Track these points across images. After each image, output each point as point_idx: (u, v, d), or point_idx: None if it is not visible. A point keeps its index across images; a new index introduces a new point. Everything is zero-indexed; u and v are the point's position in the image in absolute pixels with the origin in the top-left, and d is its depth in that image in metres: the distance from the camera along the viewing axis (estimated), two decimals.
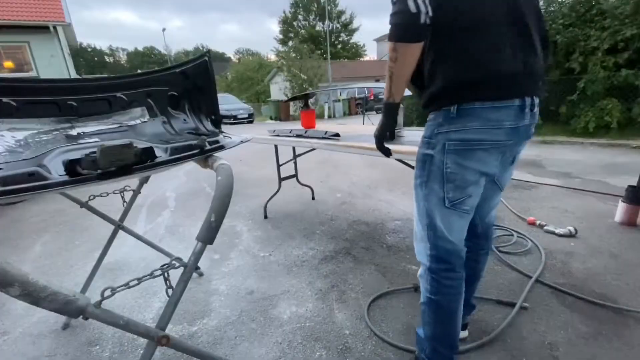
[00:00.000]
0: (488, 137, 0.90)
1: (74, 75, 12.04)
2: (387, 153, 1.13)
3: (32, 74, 10.00)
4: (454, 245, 1.02)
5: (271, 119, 16.53)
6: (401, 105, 2.01)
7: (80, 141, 0.95)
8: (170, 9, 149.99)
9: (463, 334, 1.34)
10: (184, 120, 1.21)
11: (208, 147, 1.00)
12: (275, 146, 2.66)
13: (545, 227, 2.27)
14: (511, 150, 1.00)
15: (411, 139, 1.86)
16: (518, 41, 0.88)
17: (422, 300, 1.09)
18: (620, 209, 2.33)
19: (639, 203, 2.26)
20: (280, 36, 36.10)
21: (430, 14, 0.81)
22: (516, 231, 2.24)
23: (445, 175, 0.95)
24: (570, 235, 2.16)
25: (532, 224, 2.37)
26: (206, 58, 1.22)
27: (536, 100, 0.93)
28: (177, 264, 0.79)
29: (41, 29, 9.74)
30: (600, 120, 5.59)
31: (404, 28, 0.84)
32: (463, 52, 0.87)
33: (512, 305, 1.51)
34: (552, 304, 1.54)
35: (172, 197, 3.60)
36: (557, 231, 2.20)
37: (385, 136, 1.06)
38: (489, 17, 0.86)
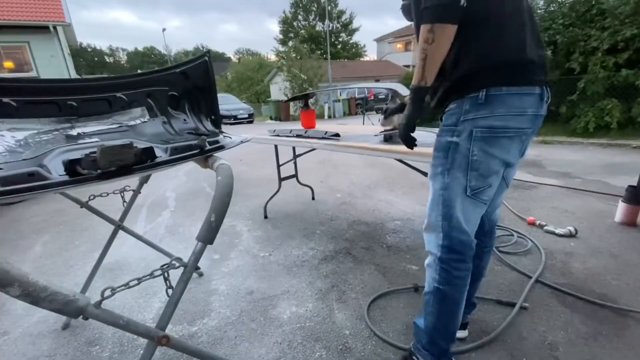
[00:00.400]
0: (513, 125, 0.92)
1: (74, 75, 12.04)
2: (411, 144, 1.06)
3: (32, 74, 10.00)
4: (468, 236, 1.02)
5: (271, 119, 16.52)
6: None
7: (80, 141, 0.95)
8: (170, 9, 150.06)
9: (463, 333, 1.34)
10: (184, 120, 1.21)
11: (208, 147, 1.00)
12: (275, 146, 2.66)
13: (545, 227, 2.27)
14: (529, 140, 1.01)
15: None
16: (532, 35, 0.93)
17: (428, 289, 1.09)
18: (620, 209, 2.33)
19: (639, 203, 2.26)
20: (280, 36, 36.13)
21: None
22: (516, 231, 2.24)
23: (471, 163, 0.95)
24: (570, 236, 2.16)
25: (532, 224, 2.37)
26: (206, 58, 1.22)
27: (549, 90, 0.97)
28: (177, 264, 0.79)
29: (41, 29, 9.74)
30: (600, 121, 5.59)
31: (444, 8, 0.84)
32: (494, 37, 0.90)
33: (512, 305, 1.51)
34: (552, 304, 1.54)
35: (172, 197, 3.60)
36: (557, 231, 2.20)
37: (413, 124, 1.02)
38: (515, 9, 0.91)
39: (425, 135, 1.84)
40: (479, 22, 0.89)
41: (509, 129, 0.92)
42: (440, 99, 1.01)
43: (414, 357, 1.17)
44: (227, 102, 14.15)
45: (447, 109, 0.99)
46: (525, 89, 0.90)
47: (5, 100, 0.87)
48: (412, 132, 1.03)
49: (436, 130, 1.70)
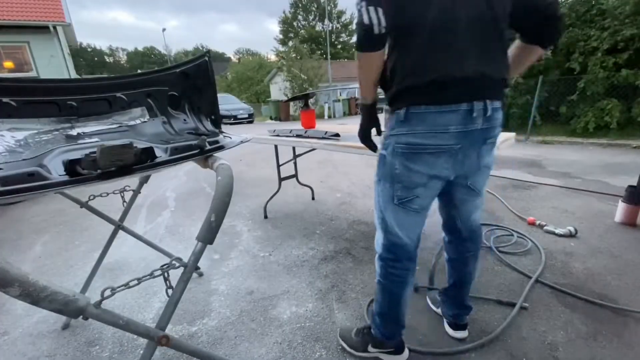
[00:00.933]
0: (433, 142, 0.94)
1: (74, 75, 12.03)
2: (372, 148, 1.16)
3: (32, 74, 10.00)
4: (401, 240, 1.10)
5: (271, 119, 16.52)
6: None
7: (80, 141, 0.95)
8: (170, 9, 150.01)
9: (462, 334, 1.35)
10: (184, 120, 1.21)
11: (208, 147, 1.00)
12: (275, 146, 2.65)
13: (545, 227, 2.27)
14: (468, 154, 0.98)
15: None
16: (480, 47, 0.89)
17: (376, 280, 1.21)
18: (620, 209, 2.33)
19: (638, 203, 2.26)
20: (280, 36, 36.13)
21: (384, 24, 0.87)
22: (516, 231, 2.24)
23: (394, 176, 1.02)
24: (570, 236, 2.16)
25: (532, 224, 2.37)
26: (206, 58, 1.22)
27: (492, 105, 0.94)
28: (177, 264, 0.79)
29: (41, 29, 9.73)
30: (600, 120, 5.59)
31: (361, 39, 0.91)
32: (412, 58, 0.92)
33: (512, 305, 1.51)
34: (552, 304, 1.54)
35: (172, 197, 3.60)
36: (557, 231, 2.20)
37: (367, 134, 1.13)
38: (450, 21, 0.88)
39: None
40: (406, 40, 0.92)
41: (428, 145, 0.95)
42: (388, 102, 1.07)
43: (371, 331, 1.28)
44: (227, 102, 14.15)
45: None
46: (447, 107, 0.91)
47: (5, 100, 0.87)
48: (368, 139, 1.14)
49: None
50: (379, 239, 1.16)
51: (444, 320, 1.42)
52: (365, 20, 0.86)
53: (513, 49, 1.06)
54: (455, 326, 1.37)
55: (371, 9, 0.85)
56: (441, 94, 0.91)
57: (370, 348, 1.28)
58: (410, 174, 0.99)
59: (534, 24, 0.97)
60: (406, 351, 1.27)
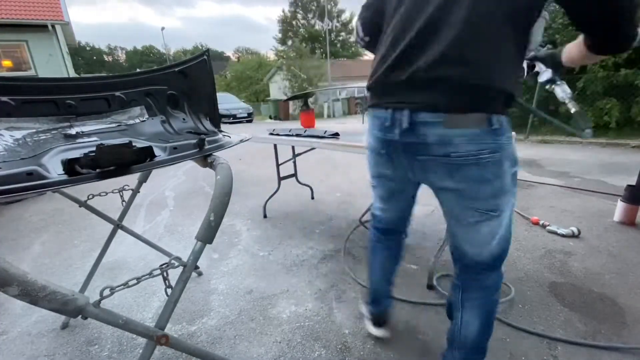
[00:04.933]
0: (371, 142, 1.01)
1: (72, 74, 12.00)
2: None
3: (30, 72, 9.95)
4: (376, 212, 1.25)
5: (270, 118, 16.51)
6: None
7: (78, 140, 0.95)
8: (169, 8, 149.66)
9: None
10: (183, 119, 1.21)
11: (207, 146, 1.00)
12: (275, 145, 2.65)
13: (548, 227, 2.27)
14: (402, 162, 0.92)
15: None
16: (406, 49, 0.83)
17: None
18: (619, 209, 2.34)
19: (637, 202, 2.27)
20: (280, 35, 36.07)
21: (362, 35, 1.08)
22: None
23: (368, 159, 1.12)
24: (573, 236, 2.16)
25: (536, 223, 2.37)
26: (205, 57, 1.22)
27: (417, 116, 0.81)
28: (176, 264, 0.79)
29: (40, 27, 9.69)
30: (599, 120, 5.60)
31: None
32: (376, 57, 0.98)
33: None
34: (551, 303, 1.54)
35: (171, 196, 3.60)
36: (559, 231, 2.20)
37: None
38: (387, 26, 0.93)
39: None
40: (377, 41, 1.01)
41: (369, 144, 1.03)
42: None
43: None
44: (227, 101, 14.14)
45: None
46: (372, 111, 0.98)
47: (4, 99, 0.86)
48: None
49: None
50: None
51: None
52: (354, 36, 1.15)
53: None
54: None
55: (356, 22, 1.07)
56: (372, 97, 0.98)
57: (362, 306, 1.47)
58: (369, 165, 1.11)
59: None
60: (382, 331, 1.37)
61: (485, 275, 0.96)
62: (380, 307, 1.37)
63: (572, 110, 1.04)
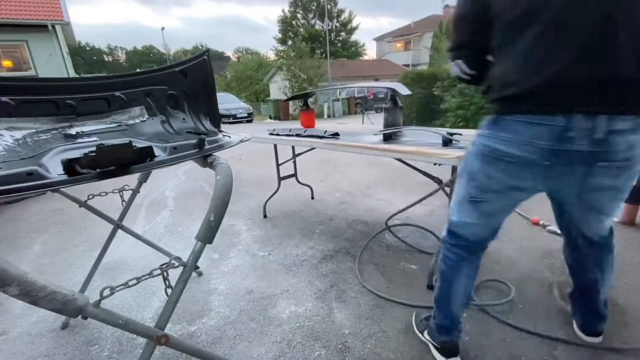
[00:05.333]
0: (517, 152, 0.86)
1: (72, 74, 12.00)
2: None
3: (30, 72, 9.95)
4: (460, 229, 1.11)
5: (270, 118, 16.52)
6: (400, 106, 2.01)
7: (79, 140, 0.95)
8: (169, 8, 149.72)
9: (594, 339, 1.28)
10: (183, 119, 1.21)
11: (207, 146, 1.00)
12: (275, 145, 2.65)
13: (548, 228, 2.27)
14: (565, 171, 0.86)
15: (411, 138, 1.86)
16: (585, 42, 0.74)
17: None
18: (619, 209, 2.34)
19: (638, 202, 2.27)
20: (280, 35, 36.05)
21: (469, 71, 1.01)
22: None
23: (471, 174, 1.02)
24: None
25: (536, 224, 2.37)
26: (205, 57, 1.22)
27: (615, 123, 0.76)
28: (176, 264, 0.79)
29: (40, 27, 9.68)
30: None
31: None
32: (506, 56, 0.86)
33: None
34: (551, 303, 1.54)
35: (171, 196, 3.60)
36: (559, 232, 2.19)
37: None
38: (541, 9, 0.76)
39: (426, 135, 1.84)
40: (499, 34, 0.88)
41: (510, 155, 0.88)
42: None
43: (428, 320, 1.31)
44: (227, 101, 14.14)
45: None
46: (533, 118, 0.81)
47: (4, 99, 0.87)
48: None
49: (437, 129, 1.70)
50: (448, 222, 1.17)
51: (574, 322, 1.35)
52: (454, 71, 1.03)
53: None
54: (586, 332, 1.29)
55: (460, 62, 0.99)
56: (530, 103, 0.81)
57: (425, 334, 1.31)
58: (484, 178, 0.97)
59: None
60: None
61: (610, 240, 1.16)
62: (454, 335, 1.20)
63: None
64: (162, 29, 30.54)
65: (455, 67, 1.02)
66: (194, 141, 0.98)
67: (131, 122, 1.10)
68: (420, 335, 1.35)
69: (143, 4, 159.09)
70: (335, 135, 2.11)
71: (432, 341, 1.26)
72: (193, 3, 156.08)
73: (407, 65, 24.31)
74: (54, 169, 0.77)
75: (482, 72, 0.96)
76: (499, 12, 0.85)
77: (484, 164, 0.96)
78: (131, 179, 1.30)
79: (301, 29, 34.55)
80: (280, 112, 15.98)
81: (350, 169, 4.38)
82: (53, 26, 9.89)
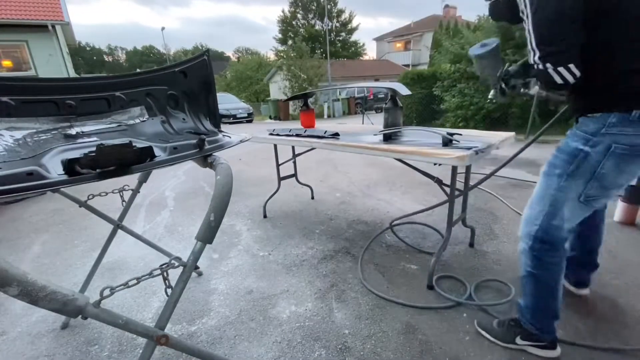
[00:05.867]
0: None
1: (72, 74, 12.00)
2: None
3: (30, 73, 9.96)
4: (563, 232, 1.08)
5: (270, 118, 16.52)
6: (400, 106, 2.01)
7: (79, 140, 0.95)
8: (169, 8, 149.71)
9: (586, 291, 1.52)
10: (183, 119, 1.21)
11: (207, 146, 1.00)
12: (275, 145, 2.65)
13: None
14: None
15: (411, 138, 1.86)
16: None
17: (523, 274, 1.19)
18: (619, 208, 2.34)
19: (637, 202, 2.27)
20: (280, 35, 36.05)
21: (579, 74, 0.90)
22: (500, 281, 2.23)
23: (596, 174, 0.97)
24: None
25: None
26: (205, 57, 1.22)
27: None
28: (177, 264, 0.79)
29: (40, 27, 9.69)
30: None
31: (550, 87, 0.97)
32: (627, 51, 0.86)
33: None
34: None
35: (171, 196, 3.60)
36: None
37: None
38: None
39: (426, 135, 1.84)
40: (621, 24, 0.86)
41: None
42: (586, 102, 1.00)
43: (520, 322, 1.27)
44: (227, 101, 14.15)
45: (586, 114, 1.00)
46: None
47: (4, 99, 0.87)
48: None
49: (437, 129, 1.69)
50: (528, 230, 1.12)
51: (566, 281, 1.46)
52: (558, 80, 0.90)
53: None
54: (577, 285, 1.51)
55: (562, 69, 0.88)
56: None
57: (518, 340, 1.26)
58: (618, 175, 0.96)
59: None
60: (559, 348, 1.24)
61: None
62: (554, 331, 1.23)
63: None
64: (163, 29, 30.57)
65: (556, 75, 0.90)
66: (194, 141, 0.98)
67: (131, 122, 1.10)
68: (509, 345, 1.28)
69: (141, 4, 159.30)
70: (335, 135, 2.12)
71: (533, 343, 1.24)
72: (192, 3, 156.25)
73: (407, 65, 24.32)
74: (54, 169, 0.77)
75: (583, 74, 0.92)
76: (616, 4, 0.85)
77: (621, 161, 0.94)
78: (131, 179, 1.30)
79: (301, 29, 34.55)
80: (280, 112, 15.98)
81: (350, 169, 4.38)
82: (53, 26, 9.89)
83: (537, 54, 0.91)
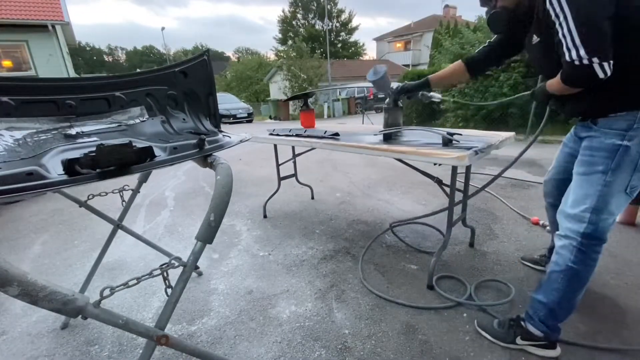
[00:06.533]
0: None
1: (72, 74, 12.00)
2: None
3: (30, 73, 9.96)
4: (611, 225, 1.11)
5: (270, 118, 16.53)
6: (401, 106, 2.01)
7: (79, 140, 0.95)
8: (165, 8, 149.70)
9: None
10: (183, 119, 1.21)
11: (207, 146, 1.00)
12: (275, 145, 2.65)
13: (548, 228, 2.27)
14: None
15: (411, 138, 1.86)
16: None
17: (558, 269, 1.17)
18: None
19: (637, 202, 2.27)
20: (280, 35, 36.06)
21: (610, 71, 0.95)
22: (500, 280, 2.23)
23: (638, 165, 1.04)
24: None
25: (536, 224, 2.37)
26: (205, 57, 1.22)
27: None
28: (177, 264, 0.79)
29: (40, 27, 9.70)
30: None
31: (582, 82, 1.03)
32: None
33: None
34: None
35: (171, 196, 3.60)
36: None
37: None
38: None
39: (426, 135, 1.84)
40: None
41: None
42: (610, 101, 1.05)
43: (521, 323, 1.28)
44: (227, 101, 14.16)
45: (614, 112, 1.05)
46: None
47: (4, 99, 0.86)
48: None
49: (437, 129, 1.70)
50: (575, 228, 1.13)
51: None
52: (600, 75, 0.94)
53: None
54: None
55: (605, 64, 0.93)
56: None
57: (518, 340, 1.27)
58: None
59: None
60: (559, 348, 1.25)
61: None
62: (560, 330, 1.25)
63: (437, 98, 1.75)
64: (162, 29, 30.58)
65: (599, 70, 0.95)
66: (194, 141, 0.98)
67: (131, 122, 1.10)
68: (510, 345, 1.29)
69: (139, 4, 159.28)
70: (335, 135, 2.11)
71: (533, 343, 1.25)
72: (190, 3, 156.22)
73: (407, 65, 24.32)
74: (54, 169, 0.77)
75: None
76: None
77: None
78: (131, 179, 1.30)
79: (301, 29, 34.56)
80: (280, 112, 15.98)
81: (350, 169, 4.38)
82: (53, 26, 9.90)
83: (583, 50, 0.95)
